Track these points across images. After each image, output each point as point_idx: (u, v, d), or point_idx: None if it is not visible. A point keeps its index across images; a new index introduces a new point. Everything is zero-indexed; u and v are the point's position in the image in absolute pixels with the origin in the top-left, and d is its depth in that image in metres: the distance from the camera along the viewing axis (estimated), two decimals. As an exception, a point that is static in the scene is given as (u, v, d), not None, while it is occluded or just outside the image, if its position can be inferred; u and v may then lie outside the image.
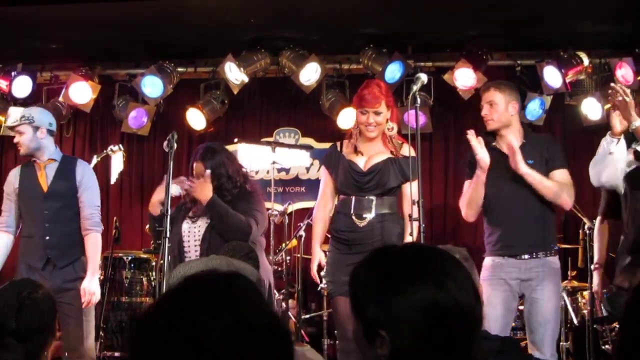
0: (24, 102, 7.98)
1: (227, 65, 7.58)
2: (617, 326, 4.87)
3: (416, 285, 1.74)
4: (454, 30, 7.40)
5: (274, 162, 6.86)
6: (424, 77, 5.00)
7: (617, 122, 4.78)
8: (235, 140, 7.55)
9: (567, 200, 5.06)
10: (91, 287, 5.43)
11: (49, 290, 3.47)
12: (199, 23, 7.15)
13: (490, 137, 5.25)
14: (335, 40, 7.72)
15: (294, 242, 7.15)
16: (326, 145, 6.08)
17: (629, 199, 4.95)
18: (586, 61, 7.40)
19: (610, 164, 4.84)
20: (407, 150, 5.16)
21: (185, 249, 5.27)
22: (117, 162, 7.15)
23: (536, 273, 4.98)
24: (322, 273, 5.57)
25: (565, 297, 6.41)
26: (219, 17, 6.95)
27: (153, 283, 7.08)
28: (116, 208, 8.45)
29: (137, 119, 8.12)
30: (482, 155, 5.03)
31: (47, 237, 5.53)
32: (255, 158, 7.82)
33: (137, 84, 7.83)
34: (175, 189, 5.21)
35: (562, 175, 5.10)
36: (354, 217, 5.14)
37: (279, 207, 7.06)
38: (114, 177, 7.24)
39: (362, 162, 5.24)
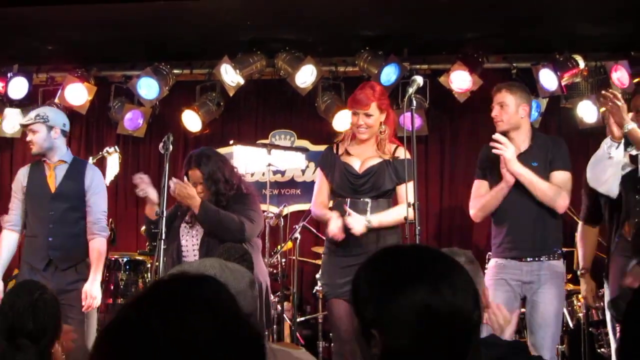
0: (20, 104, 7.99)
1: (223, 67, 7.58)
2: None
3: (410, 287, 1.74)
4: (449, 32, 7.40)
5: (269, 165, 6.85)
6: (419, 80, 5.00)
7: (616, 127, 4.80)
8: (231, 142, 7.55)
9: (560, 204, 5.05)
10: (93, 291, 5.43)
11: (53, 293, 3.50)
12: (195, 25, 7.15)
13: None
14: (331, 43, 7.72)
15: (289, 244, 7.14)
16: (322, 148, 6.07)
17: (625, 202, 4.96)
18: (582, 64, 7.41)
19: (608, 168, 4.85)
20: (402, 153, 5.15)
21: (184, 253, 5.28)
22: (113, 163, 7.13)
23: (538, 276, 4.98)
24: (317, 275, 5.57)
25: (561, 300, 6.42)
26: (215, 19, 6.95)
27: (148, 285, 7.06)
28: (112, 210, 8.37)
29: (132, 120, 8.12)
30: (506, 148, 5.01)
31: (51, 238, 5.53)
32: (250, 160, 7.83)
33: (133, 86, 7.82)
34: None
35: (561, 176, 5.09)
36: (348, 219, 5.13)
37: (275, 210, 7.06)
38: (109, 179, 7.21)
39: (357, 165, 5.23)
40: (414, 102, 4.92)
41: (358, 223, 5.02)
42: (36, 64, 8.15)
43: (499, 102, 5.19)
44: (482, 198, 5.26)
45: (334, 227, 5.06)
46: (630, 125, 4.72)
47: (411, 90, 4.90)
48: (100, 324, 5.68)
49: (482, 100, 7.57)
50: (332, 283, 5.18)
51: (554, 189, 5.01)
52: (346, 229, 5.12)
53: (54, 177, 5.66)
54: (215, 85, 8.07)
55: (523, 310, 5.24)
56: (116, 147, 7.12)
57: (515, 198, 5.09)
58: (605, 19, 6.89)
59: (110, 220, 7.01)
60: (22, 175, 5.78)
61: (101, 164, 7.22)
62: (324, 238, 5.48)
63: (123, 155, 7.58)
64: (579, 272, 5.45)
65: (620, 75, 7.09)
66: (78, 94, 7.83)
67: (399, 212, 5.05)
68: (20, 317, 3.29)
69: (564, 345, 6.48)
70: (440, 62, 7.82)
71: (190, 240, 5.30)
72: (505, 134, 5.19)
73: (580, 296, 6.03)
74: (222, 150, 7.69)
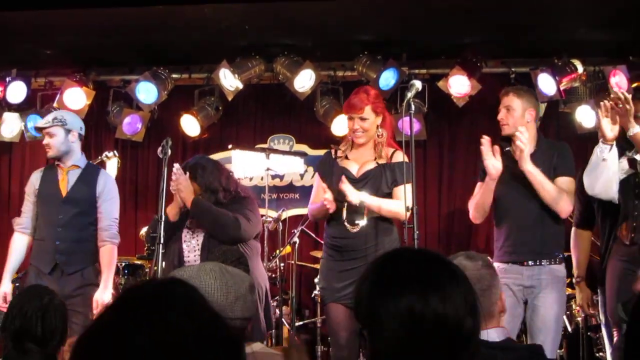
0: (19, 108, 7.98)
1: (221, 71, 7.57)
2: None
3: (398, 291, 1.75)
4: (448, 37, 7.40)
5: (268, 169, 6.85)
6: (418, 84, 5.01)
7: (609, 129, 4.80)
8: (230, 146, 7.54)
9: (563, 207, 5.06)
10: (104, 299, 5.44)
11: (62, 299, 3.50)
12: (193, 30, 7.15)
13: (504, 142, 5.26)
14: (329, 47, 7.72)
15: (288, 248, 7.15)
16: (320, 152, 6.08)
17: (623, 206, 4.97)
18: (580, 69, 7.41)
19: (604, 171, 4.86)
20: (399, 156, 5.16)
21: (185, 258, 5.28)
22: (112, 168, 7.14)
23: (539, 280, 4.99)
24: (316, 280, 5.56)
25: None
26: (213, 23, 6.95)
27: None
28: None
29: (131, 125, 8.11)
30: (491, 162, 5.04)
31: (58, 242, 5.53)
32: (249, 165, 7.82)
33: (132, 90, 7.81)
34: None
35: (565, 182, 5.11)
36: (346, 224, 5.12)
37: (273, 214, 7.05)
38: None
39: (355, 169, 5.24)
40: (413, 107, 4.93)
41: (354, 192, 5.03)
42: (35, 69, 8.15)
43: (505, 105, 5.21)
44: (474, 198, 5.29)
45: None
46: (636, 129, 4.73)
47: (410, 94, 4.92)
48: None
49: (480, 105, 7.61)
50: (330, 287, 5.18)
51: (559, 193, 5.02)
52: (340, 235, 5.13)
53: (66, 181, 5.67)
54: (214, 90, 8.07)
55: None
56: (115, 151, 7.12)
57: (517, 201, 5.10)
58: (604, 24, 6.89)
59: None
60: (35, 178, 5.80)
61: (100, 168, 7.23)
62: (323, 242, 5.48)
63: (122, 160, 7.60)
64: (574, 280, 5.46)
65: (618, 80, 7.09)
66: (76, 98, 7.81)
67: (394, 205, 5.07)
68: (29, 322, 3.29)
69: (563, 350, 6.48)
70: (439, 67, 7.82)
71: (191, 245, 5.31)
72: (510, 137, 5.20)
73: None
74: (220, 155, 7.74)
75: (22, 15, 6.70)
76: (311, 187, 5.94)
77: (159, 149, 5.20)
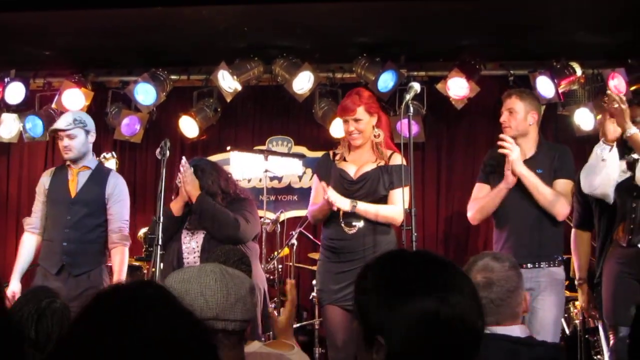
0: (17, 109, 7.97)
1: (220, 73, 7.57)
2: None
3: (419, 294, 1.74)
4: (447, 39, 7.40)
5: (266, 171, 6.85)
6: (416, 86, 5.02)
7: (611, 129, 4.81)
8: (228, 148, 7.54)
9: (560, 210, 5.07)
10: None
11: (65, 302, 3.48)
12: (192, 31, 7.14)
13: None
14: (328, 49, 7.72)
15: (286, 250, 7.14)
16: (319, 154, 6.08)
17: (620, 208, 4.97)
18: (579, 71, 7.41)
19: (602, 171, 4.87)
20: (397, 159, 5.16)
21: (185, 259, 5.28)
22: (110, 169, 7.12)
23: (537, 283, 4.99)
24: (314, 282, 5.56)
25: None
26: (212, 25, 6.94)
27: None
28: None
29: (129, 126, 8.10)
30: (512, 148, 5.05)
31: (65, 243, 5.52)
32: (247, 166, 7.82)
33: (130, 92, 7.80)
34: None
35: (562, 185, 5.13)
36: (343, 225, 5.12)
37: (271, 216, 7.05)
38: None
39: (352, 171, 5.24)
40: (411, 109, 4.93)
41: (342, 200, 5.04)
42: (33, 70, 8.14)
43: (508, 107, 5.22)
44: (481, 200, 5.27)
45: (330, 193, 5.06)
46: (633, 130, 4.74)
47: (408, 96, 4.92)
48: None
49: (479, 107, 7.62)
50: (327, 289, 5.18)
51: (555, 196, 5.03)
52: (337, 237, 5.13)
53: (76, 182, 5.66)
54: (213, 91, 8.06)
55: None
56: (113, 152, 7.12)
57: (516, 203, 5.11)
58: (603, 27, 6.89)
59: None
60: (45, 178, 5.80)
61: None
62: (319, 243, 5.49)
63: (120, 161, 7.60)
64: (576, 282, 5.46)
65: (617, 83, 7.10)
66: (75, 99, 7.80)
67: (388, 210, 5.09)
68: (24, 324, 3.27)
69: (561, 353, 6.48)
70: (437, 69, 7.81)
71: (191, 246, 5.31)
72: (512, 139, 5.21)
73: (577, 303, 6.05)
74: (218, 157, 7.73)
75: (20, 16, 6.69)
76: (309, 189, 5.95)
77: (158, 150, 5.21)
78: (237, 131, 8.52)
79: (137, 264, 7.15)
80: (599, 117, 6.68)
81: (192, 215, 5.38)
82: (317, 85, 7.69)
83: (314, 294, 6.36)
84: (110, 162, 7.06)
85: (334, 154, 5.40)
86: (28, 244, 5.72)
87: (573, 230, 5.50)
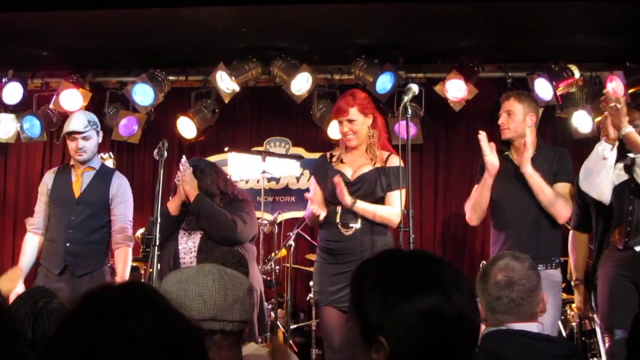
0: (15, 109, 7.96)
1: (218, 74, 7.57)
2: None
3: (423, 292, 1.74)
4: (445, 41, 7.40)
5: (264, 172, 6.85)
6: (415, 88, 5.02)
7: (612, 129, 4.81)
8: (226, 149, 7.54)
9: (560, 211, 5.08)
10: None
11: (63, 300, 3.47)
12: (190, 32, 7.14)
13: (504, 146, 5.28)
14: (326, 51, 7.72)
15: (284, 251, 7.14)
16: (316, 155, 6.07)
17: (616, 211, 4.97)
18: (577, 74, 7.42)
19: (602, 170, 4.87)
20: (396, 161, 5.16)
21: (182, 260, 5.28)
22: (107, 170, 7.12)
23: None
24: (311, 283, 5.56)
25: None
26: (210, 26, 6.94)
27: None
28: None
29: (127, 127, 8.10)
30: (491, 159, 5.10)
31: (68, 244, 5.51)
32: (245, 167, 7.83)
33: (128, 92, 7.81)
34: None
35: (563, 189, 5.15)
36: (340, 227, 5.13)
37: (269, 217, 7.05)
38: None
39: (349, 172, 5.24)
40: (409, 110, 4.94)
41: (345, 194, 5.05)
42: (31, 70, 8.13)
43: (506, 109, 5.23)
44: (471, 198, 5.30)
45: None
46: (628, 129, 4.74)
47: (406, 98, 4.93)
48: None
49: (477, 109, 7.62)
50: (324, 290, 5.18)
51: (556, 197, 5.05)
52: (334, 239, 5.13)
53: (80, 182, 5.65)
54: (211, 92, 8.06)
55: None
56: (111, 153, 7.11)
57: (514, 205, 5.12)
58: (602, 30, 6.90)
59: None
60: (48, 178, 5.78)
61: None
62: (315, 244, 5.49)
63: (117, 162, 7.59)
64: (573, 283, 5.46)
65: (615, 86, 7.10)
66: (73, 99, 7.79)
67: (386, 211, 5.09)
68: (21, 324, 3.27)
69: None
70: (435, 71, 7.82)
71: (187, 246, 5.31)
72: (509, 141, 5.22)
73: (574, 305, 6.04)
74: (216, 157, 7.73)
75: (19, 17, 6.69)
76: (307, 190, 5.94)
77: (155, 150, 5.21)
78: (235, 132, 8.51)
79: (134, 264, 7.13)
80: (597, 119, 6.70)
81: (189, 215, 5.38)
82: (315, 87, 7.70)
83: (311, 295, 6.37)
84: (108, 162, 7.04)
85: (331, 156, 5.40)
86: (31, 245, 5.70)
87: (571, 231, 5.50)
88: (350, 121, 5.17)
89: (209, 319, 2.26)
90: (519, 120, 5.18)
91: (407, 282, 1.77)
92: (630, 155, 4.87)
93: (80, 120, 5.67)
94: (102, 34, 7.20)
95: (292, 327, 7.16)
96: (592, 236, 5.35)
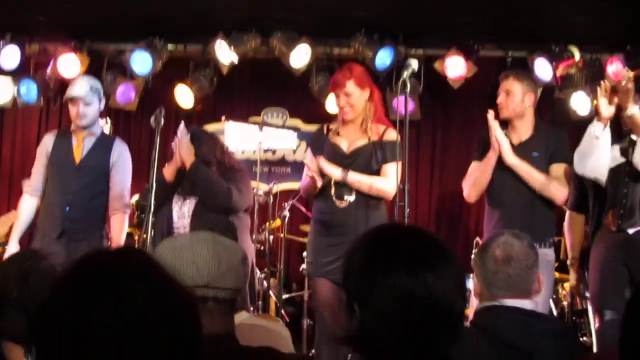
0: (12, 73, 7.92)
1: (217, 44, 7.54)
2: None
3: (393, 268, 1.75)
4: (445, 19, 7.37)
5: (260, 142, 6.85)
6: (414, 64, 5.00)
7: (605, 107, 4.82)
8: (223, 118, 7.53)
9: (556, 193, 5.09)
10: None
11: (53, 264, 3.47)
12: (190, 1, 7.11)
13: (501, 126, 5.29)
14: (327, 24, 7.69)
15: (278, 222, 7.16)
16: (314, 128, 6.08)
17: (611, 193, 4.99)
18: (577, 56, 7.41)
19: (595, 151, 4.88)
20: (392, 134, 5.16)
21: (175, 225, 5.30)
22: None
23: None
24: (304, 254, 5.58)
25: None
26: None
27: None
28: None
29: (124, 94, 8.07)
30: (500, 137, 5.07)
31: (68, 208, 5.50)
32: (242, 137, 7.83)
33: (126, 60, 7.78)
34: None
35: (559, 169, 5.14)
36: (334, 199, 5.13)
37: (264, 187, 7.06)
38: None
39: (345, 145, 5.24)
40: (408, 86, 4.93)
41: (333, 168, 5.07)
42: (29, 36, 8.08)
43: (505, 89, 5.23)
44: (472, 174, 5.31)
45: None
46: (634, 110, 4.75)
47: (406, 73, 4.91)
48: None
49: (476, 88, 7.61)
50: (317, 262, 5.20)
51: (551, 181, 5.05)
52: (328, 211, 5.14)
53: (82, 148, 5.63)
54: (209, 63, 8.03)
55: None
56: (107, 118, 7.09)
57: (509, 184, 5.13)
58: (599, 15, 6.88)
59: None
60: (48, 141, 5.73)
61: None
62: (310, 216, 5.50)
63: (114, 129, 7.56)
64: (568, 262, 5.49)
65: (615, 69, 7.10)
66: (71, 65, 7.75)
67: (382, 182, 5.09)
68: (7, 284, 3.27)
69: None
70: (435, 48, 7.80)
71: (182, 211, 5.33)
72: (508, 121, 5.22)
73: (565, 285, 6.08)
74: (213, 127, 7.71)
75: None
76: (303, 162, 5.96)
77: (152, 118, 5.19)
78: (232, 102, 8.51)
79: (128, 231, 7.13)
80: (595, 102, 6.70)
81: (184, 181, 5.39)
82: (314, 60, 7.68)
83: (304, 266, 6.39)
84: (105, 128, 7.03)
85: (328, 129, 5.40)
86: (27, 206, 5.69)
87: (567, 212, 5.52)
88: (347, 94, 5.17)
89: (202, 285, 2.26)
90: (517, 100, 5.18)
91: (387, 257, 1.78)
92: (633, 137, 4.88)
93: (82, 85, 5.64)
94: (101, 3, 7.16)
95: (284, 297, 7.20)
96: (589, 218, 5.37)
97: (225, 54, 7.57)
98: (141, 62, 7.76)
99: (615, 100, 4.81)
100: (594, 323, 5.22)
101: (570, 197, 5.39)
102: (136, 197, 6.88)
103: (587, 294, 5.46)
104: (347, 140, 5.25)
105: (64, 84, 7.94)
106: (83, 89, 5.57)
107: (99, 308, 1.33)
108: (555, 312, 6.44)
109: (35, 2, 7.19)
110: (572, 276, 5.47)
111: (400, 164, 4.94)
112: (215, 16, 7.51)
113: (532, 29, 7.42)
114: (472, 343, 2.70)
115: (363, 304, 1.76)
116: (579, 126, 7.14)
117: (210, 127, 7.65)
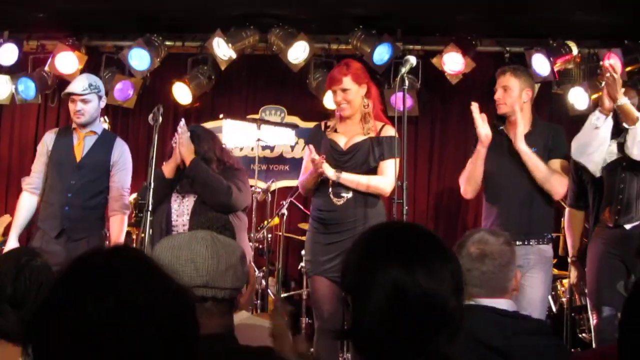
0: (10, 70, 7.91)
1: (215, 40, 7.53)
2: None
3: (386, 264, 1.75)
4: (444, 14, 7.37)
5: (258, 140, 6.84)
6: (412, 60, 5.01)
7: (608, 99, 4.82)
8: (221, 116, 7.52)
9: (555, 187, 5.09)
10: None
11: (47, 261, 3.47)
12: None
13: (498, 121, 5.28)
14: (324, 20, 7.68)
15: (276, 220, 7.15)
16: (312, 125, 6.07)
17: (607, 188, 4.99)
18: (575, 51, 7.39)
19: (594, 139, 4.88)
20: (390, 131, 5.16)
21: (174, 223, 5.30)
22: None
23: (526, 260, 4.98)
24: (303, 252, 5.58)
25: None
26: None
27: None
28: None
29: (122, 91, 8.05)
30: (483, 130, 5.08)
31: (67, 208, 5.49)
32: (240, 135, 7.81)
33: (124, 57, 7.76)
34: None
35: (558, 165, 5.15)
36: (331, 196, 5.13)
37: (262, 185, 7.05)
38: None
39: (343, 142, 5.24)
40: (407, 82, 4.92)
41: (328, 168, 5.06)
42: (27, 32, 8.07)
43: (502, 85, 5.23)
44: (465, 171, 5.31)
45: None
46: (624, 100, 4.76)
47: (404, 69, 4.92)
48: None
49: (474, 83, 7.60)
50: (315, 260, 5.20)
51: (551, 173, 5.05)
52: (326, 208, 5.13)
53: (82, 146, 5.62)
54: (207, 59, 8.02)
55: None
56: (105, 117, 7.07)
57: (508, 180, 5.13)
58: (601, 7, 6.87)
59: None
60: (48, 139, 5.73)
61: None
62: (308, 213, 5.49)
63: (112, 127, 7.55)
64: (569, 259, 5.49)
65: (613, 63, 7.06)
66: (68, 62, 7.74)
67: (378, 180, 5.09)
68: (1, 280, 3.27)
69: (546, 330, 6.51)
70: (433, 44, 7.79)
71: (180, 209, 5.32)
72: (504, 116, 5.22)
73: (564, 281, 6.08)
74: (211, 124, 7.70)
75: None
76: (301, 159, 5.95)
77: (150, 115, 5.19)
78: (230, 99, 8.48)
79: (127, 229, 7.13)
80: (594, 96, 6.70)
81: (183, 179, 5.38)
82: (312, 56, 7.67)
83: (302, 264, 6.39)
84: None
85: (326, 125, 5.40)
86: (27, 204, 5.68)
87: (567, 208, 5.52)
88: (344, 90, 5.16)
89: (201, 285, 2.26)
90: (515, 95, 5.18)
91: (376, 252, 1.80)
92: (625, 125, 4.88)
93: (81, 82, 5.64)
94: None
95: (282, 295, 7.19)
96: (588, 214, 5.37)
97: (223, 50, 7.56)
98: (139, 59, 7.74)
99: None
100: (592, 319, 5.21)
101: (569, 194, 5.39)
102: (134, 195, 6.87)
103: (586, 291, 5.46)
104: (345, 137, 5.25)
105: (61, 81, 7.94)
106: (81, 86, 5.57)
107: (96, 307, 1.33)
108: (554, 309, 6.44)
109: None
110: (573, 273, 5.47)
111: (398, 160, 4.93)
112: (213, 12, 7.49)
113: (529, 24, 7.41)
114: None
115: (356, 298, 1.78)
116: (577, 121, 7.14)
117: (209, 125, 7.62)
